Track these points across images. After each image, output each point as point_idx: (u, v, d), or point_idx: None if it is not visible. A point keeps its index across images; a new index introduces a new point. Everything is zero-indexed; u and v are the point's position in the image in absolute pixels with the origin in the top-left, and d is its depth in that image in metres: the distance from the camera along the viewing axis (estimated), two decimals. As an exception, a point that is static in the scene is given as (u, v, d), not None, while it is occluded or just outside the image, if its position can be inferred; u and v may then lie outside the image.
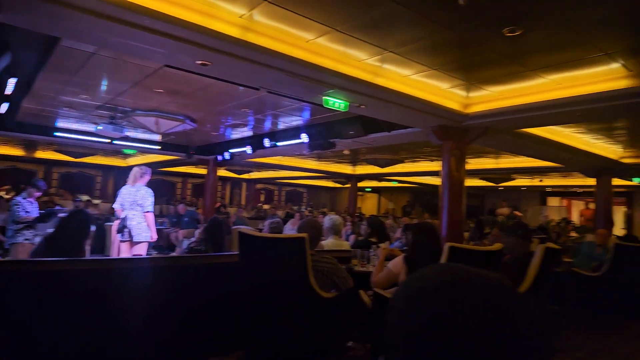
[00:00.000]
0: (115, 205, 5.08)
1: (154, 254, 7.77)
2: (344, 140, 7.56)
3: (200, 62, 3.82)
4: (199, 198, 15.51)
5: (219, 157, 10.35)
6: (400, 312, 0.53)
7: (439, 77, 4.73)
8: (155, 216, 7.79)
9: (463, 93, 5.25)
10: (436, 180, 14.42)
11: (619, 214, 15.00)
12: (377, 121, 6.33)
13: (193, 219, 9.43)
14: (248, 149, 8.96)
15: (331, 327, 3.00)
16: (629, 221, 15.56)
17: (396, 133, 6.66)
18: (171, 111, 7.17)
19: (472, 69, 4.46)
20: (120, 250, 5.03)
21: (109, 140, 9.28)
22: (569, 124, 6.33)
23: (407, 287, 0.55)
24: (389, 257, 3.47)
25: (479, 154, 10.08)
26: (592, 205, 11.59)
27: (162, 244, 9.74)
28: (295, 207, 17.62)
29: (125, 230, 4.88)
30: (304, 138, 7.44)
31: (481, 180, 14.00)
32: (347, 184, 16.74)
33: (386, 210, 20.62)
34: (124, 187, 5.11)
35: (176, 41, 3.31)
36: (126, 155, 14.32)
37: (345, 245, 4.59)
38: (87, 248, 3.75)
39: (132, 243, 4.92)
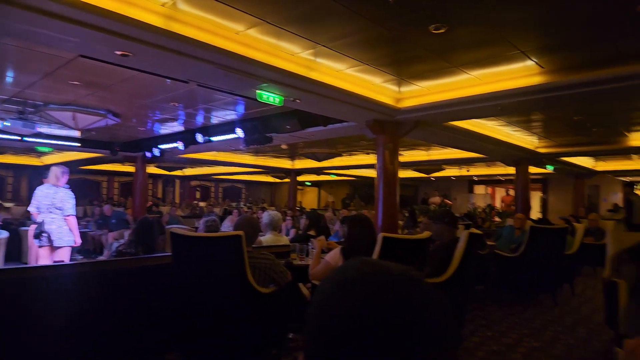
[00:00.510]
0: (31, 208, 4.69)
1: (80, 258, 7.22)
2: (281, 135, 7.53)
3: (120, 52, 3.59)
4: (128, 197, 14.61)
5: (148, 154, 9.81)
6: (314, 307, 0.55)
7: (371, 72, 4.88)
8: (79, 218, 7.19)
9: (395, 88, 5.47)
10: (373, 173, 14.91)
11: (535, 199, 16.64)
12: (314, 115, 6.37)
13: (121, 219, 8.88)
14: (180, 145, 8.58)
15: (271, 322, 3.01)
16: (544, 205, 17.31)
17: (332, 127, 6.76)
18: (90, 105, 6.65)
19: (402, 65, 4.65)
20: (39, 256, 4.68)
21: (19, 138, 8.39)
22: (491, 117, 6.87)
23: (321, 285, 0.57)
24: (327, 250, 3.55)
25: (412, 147, 10.59)
26: (512, 192, 12.69)
27: (89, 247, 9.13)
28: (234, 204, 17.27)
29: (44, 235, 4.57)
30: (239, 133, 7.28)
31: (414, 172, 14.72)
32: (286, 178, 16.72)
33: (326, 203, 20.94)
34: (39, 188, 4.74)
35: (91, 30, 3.07)
36: (41, 154, 13.07)
37: (284, 240, 4.60)
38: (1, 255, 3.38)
39: (53, 248, 4.62)
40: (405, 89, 5.47)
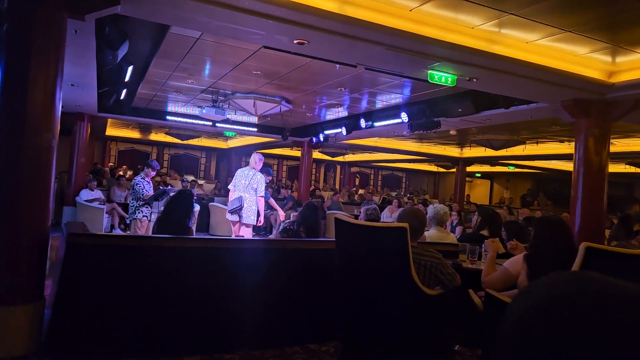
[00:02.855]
0: (230, 186, 5.63)
1: (253, 234, 8.45)
2: (451, 119, 7.17)
3: (297, 41, 3.92)
4: (294, 180, 16.24)
5: (314, 139, 10.66)
6: (510, 325, 0.48)
7: (574, 41, 4.16)
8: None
9: (607, 58, 4.55)
10: (566, 165, 12.95)
11: None
12: (492, 96, 5.88)
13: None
14: (343, 130, 9.04)
15: (435, 327, 2.91)
16: None
17: (515, 110, 6.11)
18: (268, 93, 7.56)
19: (621, 28, 3.85)
20: (232, 229, 5.64)
21: (211, 123, 10.17)
22: None
23: (531, 297, 0.49)
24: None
25: (627, 133, 8.75)
26: None
27: (260, 225, 10.68)
28: (393, 193, 17.36)
29: (237, 211, 5.41)
30: (404, 117, 7.24)
31: (629, 166, 12.19)
32: (452, 168, 15.94)
33: (501, 199, 19.19)
34: (239, 169, 5.66)
35: (274, 21, 3.45)
36: (227, 138, 15.59)
37: (451, 238, 4.40)
38: (193, 227, 4.20)
39: (241, 224, 5.46)
40: (624, 58, 4.49)
